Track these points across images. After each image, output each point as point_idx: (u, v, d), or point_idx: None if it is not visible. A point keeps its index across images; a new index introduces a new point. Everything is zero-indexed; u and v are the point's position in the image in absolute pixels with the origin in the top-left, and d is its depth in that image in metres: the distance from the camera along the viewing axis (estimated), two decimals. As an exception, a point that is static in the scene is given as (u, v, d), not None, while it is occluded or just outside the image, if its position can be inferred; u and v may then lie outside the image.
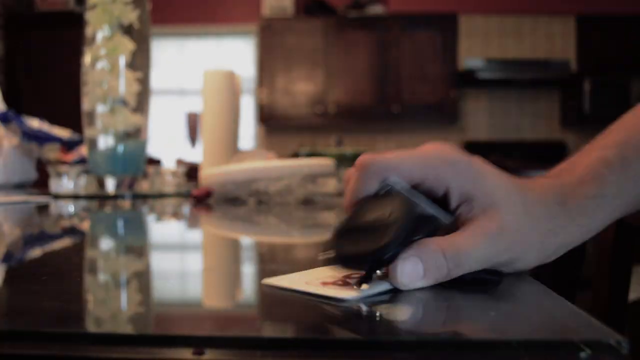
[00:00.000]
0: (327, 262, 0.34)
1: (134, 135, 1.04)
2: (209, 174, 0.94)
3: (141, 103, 1.04)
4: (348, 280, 0.33)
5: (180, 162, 2.60)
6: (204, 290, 0.38)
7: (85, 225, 0.74)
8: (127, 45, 1.01)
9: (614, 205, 0.37)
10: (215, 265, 0.47)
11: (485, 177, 0.36)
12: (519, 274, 0.37)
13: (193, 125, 1.81)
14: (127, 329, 0.27)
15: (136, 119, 1.03)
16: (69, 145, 1.31)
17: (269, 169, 0.89)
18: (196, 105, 4.05)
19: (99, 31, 1.00)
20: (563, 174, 0.38)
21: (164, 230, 0.71)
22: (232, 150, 1.17)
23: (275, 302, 0.32)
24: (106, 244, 0.58)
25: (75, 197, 1.00)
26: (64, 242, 0.59)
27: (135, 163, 1.04)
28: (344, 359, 0.24)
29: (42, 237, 0.62)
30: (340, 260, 0.33)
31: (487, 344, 0.24)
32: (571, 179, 0.37)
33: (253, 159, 1.07)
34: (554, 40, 3.85)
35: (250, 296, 0.36)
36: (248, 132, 4.07)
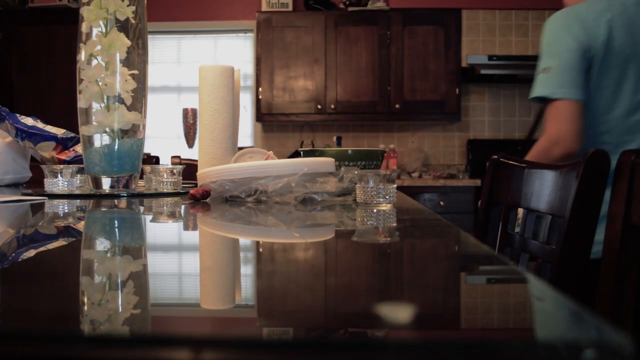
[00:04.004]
0: None
1: (131, 133, 1.02)
2: (207, 173, 0.92)
3: (138, 100, 1.02)
4: None
5: (175, 158, 2.58)
6: (201, 291, 0.37)
7: (81, 225, 0.73)
8: (123, 41, 0.99)
9: None
10: (212, 265, 0.46)
11: None
12: (522, 273, 0.37)
13: (191, 122, 1.80)
14: (124, 329, 0.27)
15: (133, 116, 1.01)
16: (64, 144, 1.30)
17: (268, 167, 0.88)
18: (194, 102, 4.03)
19: (95, 27, 0.98)
20: None
21: (161, 230, 0.69)
22: (231, 149, 1.15)
23: (275, 302, 0.32)
24: (102, 244, 0.57)
25: (70, 196, 0.99)
26: (59, 243, 0.58)
27: (132, 161, 1.03)
28: (344, 359, 0.23)
29: (37, 237, 0.60)
30: None
31: (490, 344, 0.24)
32: None
33: (252, 157, 1.05)
34: (556, 37, 3.83)
35: (249, 297, 0.36)
36: (246, 129, 4.05)
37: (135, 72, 1.01)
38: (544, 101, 1.29)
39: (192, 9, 4.03)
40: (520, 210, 1.06)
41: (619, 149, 1.10)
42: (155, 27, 3.94)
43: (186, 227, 0.73)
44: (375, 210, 0.81)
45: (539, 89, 1.29)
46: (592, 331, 0.26)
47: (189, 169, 1.61)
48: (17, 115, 1.33)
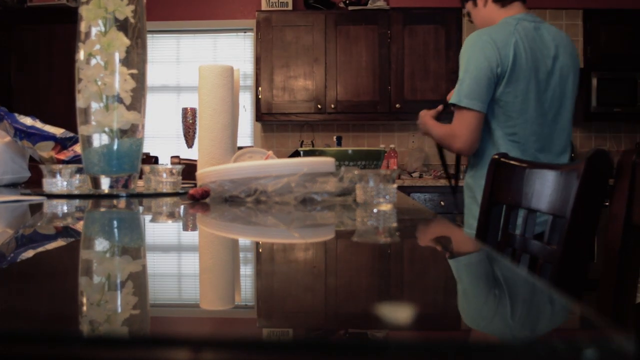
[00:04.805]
0: None
1: (130, 133, 1.01)
2: (206, 173, 0.92)
3: (137, 100, 1.02)
4: None
5: (174, 158, 2.57)
6: (201, 291, 0.37)
7: (80, 226, 0.72)
8: (122, 40, 0.98)
9: None
10: (212, 266, 0.46)
11: None
12: (522, 273, 0.36)
13: (190, 122, 1.79)
14: (123, 330, 0.27)
15: (132, 116, 1.00)
16: (63, 143, 1.29)
17: (268, 167, 0.87)
18: (193, 102, 4.02)
19: (93, 26, 0.98)
20: None
21: (160, 230, 0.69)
22: (230, 148, 1.15)
23: (275, 303, 0.32)
24: (101, 244, 0.56)
25: (69, 196, 0.99)
26: (58, 243, 0.58)
27: (131, 161, 1.02)
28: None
29: (36, 238, 0.60)
30: None
31: (490, 345, 0.24)
32: None
33: (251, 157, 1.05)
34: (558, 36, 3.81)
35: (249, 297, 0.35)
36: (246, 129, 4.05)
37: (135, 71, 1.01)
38: (455, 107, 1.56)
39: (191, 8, 4.03)
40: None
41: (526, 147, 1.51)
42: (154, 26, 3.93)
43: (185, 228, 0.73)
44: (375, 211, 0.81)
45: (453, 96, 1.56)
46: (592, 331, 0.26)
47: (189, 169, 1.61)
48: (16, 114, 1.32)
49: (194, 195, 0.91)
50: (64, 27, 3.45)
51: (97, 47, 0.98)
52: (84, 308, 0.30)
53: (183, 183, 1.12)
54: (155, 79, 4.02)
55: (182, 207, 0.89)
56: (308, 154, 1.30)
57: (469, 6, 1.71)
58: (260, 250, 0.55)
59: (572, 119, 1.58)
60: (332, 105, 3.71)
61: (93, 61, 0.98)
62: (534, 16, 1.60)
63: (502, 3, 1.61)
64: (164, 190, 1.03)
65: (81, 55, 0.99)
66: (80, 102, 1.00)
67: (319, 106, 3.71)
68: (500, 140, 1.53)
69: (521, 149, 1.51)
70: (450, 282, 0.41)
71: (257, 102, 3.74)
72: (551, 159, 1.54)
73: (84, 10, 0.98)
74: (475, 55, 1.51)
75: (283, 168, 0.87)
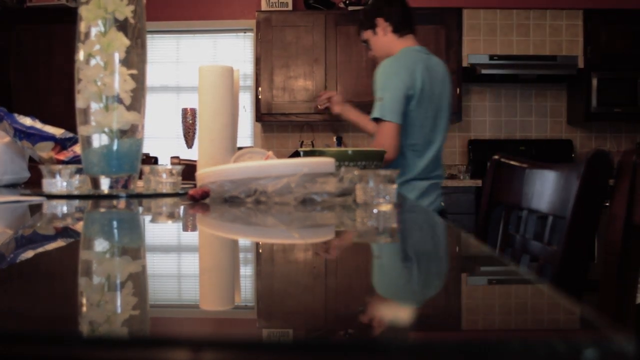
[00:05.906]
0: None
1: (129, 134, 1.01)
2: (206, 173, 0.92)
3: (136, 100, 1.02)
4: None
5: (174, 158, 2.57)
6: (201, 292, 0.37)
7: (79, 226, 0.72)
8: (122, 41, 0.98)
9: None
10: (212, 266, 0.46)
11: None
12: (522, 274, 0.36)
13: (190, 123, 1.79)
14: (123, 331, 0.27)
15: (131, 116, 1.00)
16: (62, 144, 1.29)
17: (268, 168, 0.87)
18: (193, 102, 4.02)
19: (93, 26, 0.98)
20: None
21: (160, 231, 0.69)
22: (230, 149, 1.15)
23: (275, 303, 0.32)
24: (100, 245, 0.56)
25: (68, 196, 0.99)
26: (58, 244, 0.58)
27: (131, 162, 1.02)
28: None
29: (35, 238, 0.60)
30: None
31: (490, 344, 0.24)
32: None
33: (251, 157, 1.05)
34: (561, 36, 3.81)
35: (249, 298, 0.35)
36: (246, 130, 4.05)
37: (134, 71, 1.01)
38: (378, 120, 1.87)
39: (191, 9, 4.03)
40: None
41: (422, 154, 1.89)
42: (154, 26, 3.93)
43: (185, 228, 0.73)
44: (375, 211, 0.81)
45: (375, 112, 1.88)
46: (592, 331, 0.26)
47: (188, 170, 1.61)
48: (16, 115, 1.32)
49: (194, 196, 0.91)
50: (64, 27, 3.45)
51: (97, 47, 0.98)
52: (84, 308, 0.30)
53: (183, 183, 1.12)
54: (155, 79, 4.01)
55: (181, 207, 0.89)
56: (308, 154, 1.30)
57: (368, 34, 2.02)
58: (260, 250, 0.55)
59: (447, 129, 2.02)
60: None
61: (93, 61, 0.98)
62: (425, 48, 1.97)
63: (400, 34, 1.95)
64: (164, 191, 1.03)
65: (81, 55, 0.99)
66: (79, 103, 1.00)
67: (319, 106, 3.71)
68: (404, 149, 1.86)
69: (419, 156, 1.88)
70: (450, 282, 0.40)
71: (257, 102, 3.73)
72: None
73: (83, 11, 0.98)
74: (391, 78, 1.83)
75: (283, 168, 0.87)
